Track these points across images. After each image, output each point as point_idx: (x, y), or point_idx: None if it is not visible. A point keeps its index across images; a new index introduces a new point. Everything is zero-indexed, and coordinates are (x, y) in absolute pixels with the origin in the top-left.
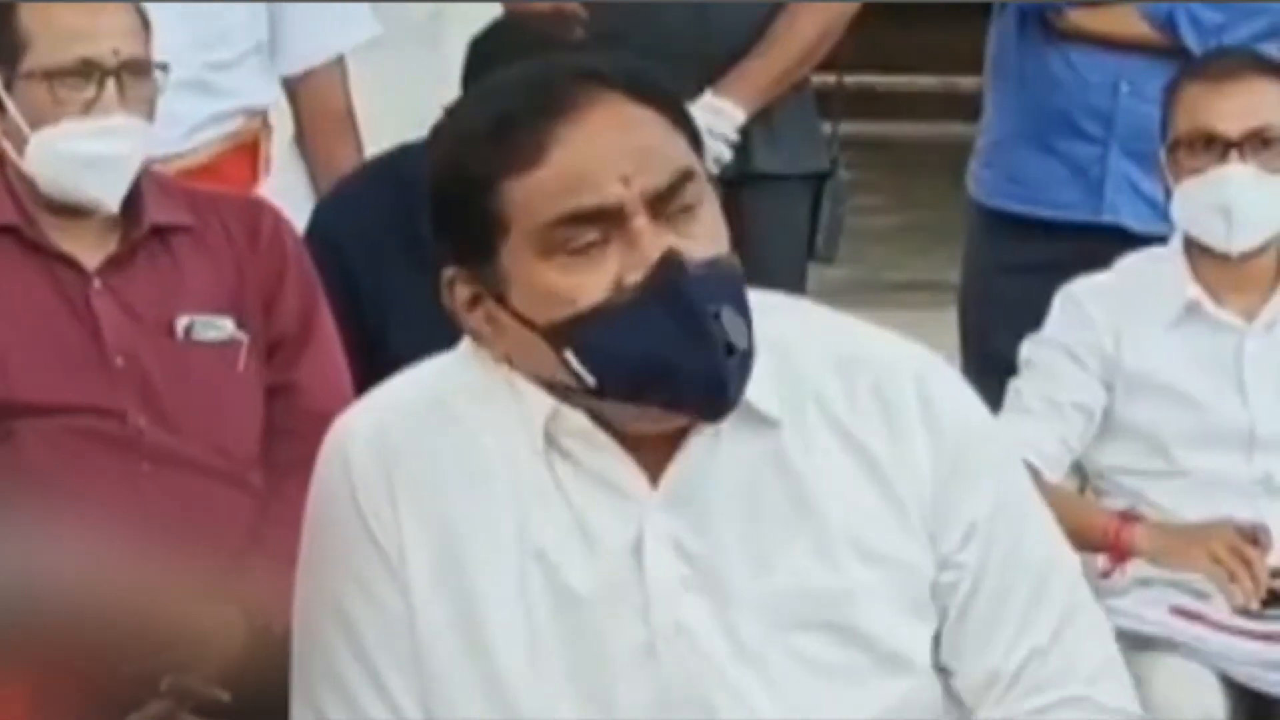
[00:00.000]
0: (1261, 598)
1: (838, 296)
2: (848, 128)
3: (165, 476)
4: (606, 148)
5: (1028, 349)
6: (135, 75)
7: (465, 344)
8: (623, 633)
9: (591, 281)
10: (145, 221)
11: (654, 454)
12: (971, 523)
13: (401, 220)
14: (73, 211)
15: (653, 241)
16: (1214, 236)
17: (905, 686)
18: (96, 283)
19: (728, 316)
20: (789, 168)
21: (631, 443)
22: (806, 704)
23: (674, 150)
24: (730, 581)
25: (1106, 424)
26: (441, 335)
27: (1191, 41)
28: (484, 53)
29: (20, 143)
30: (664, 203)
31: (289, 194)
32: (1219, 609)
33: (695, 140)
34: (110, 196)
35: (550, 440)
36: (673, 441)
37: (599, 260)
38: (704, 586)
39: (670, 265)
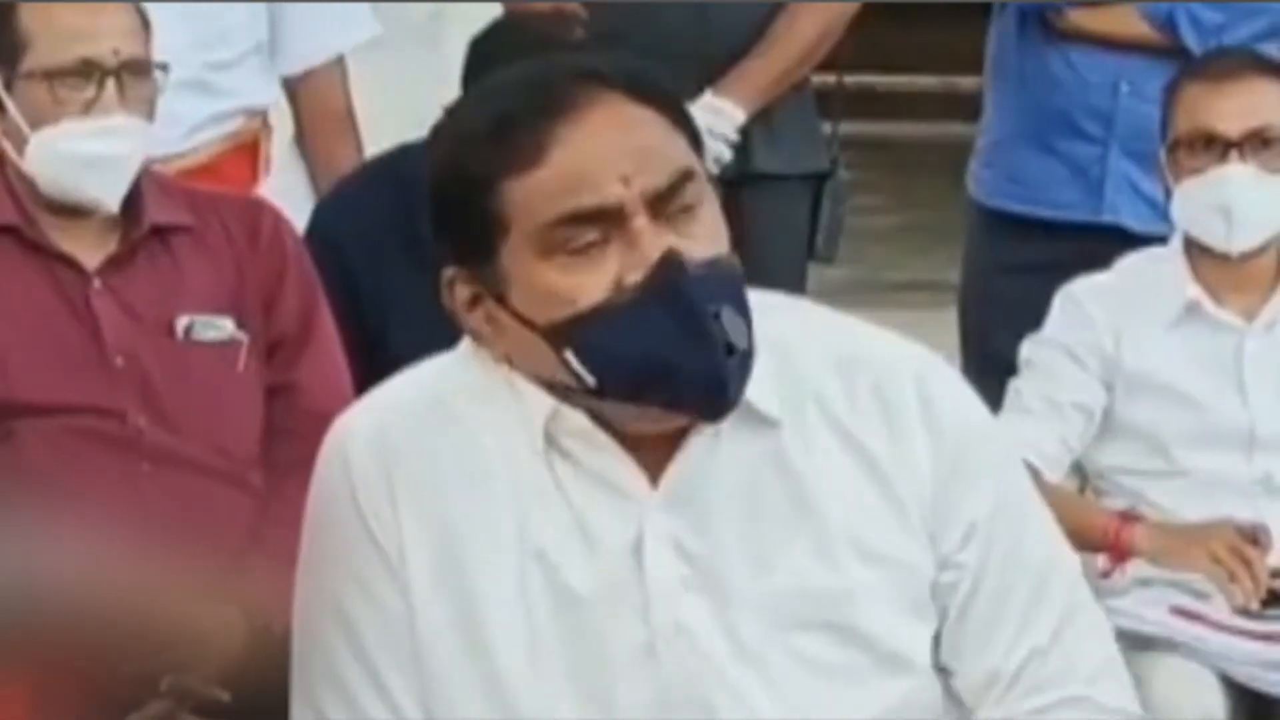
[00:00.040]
0: (1261, 598)
1: (838, 296)
2: (848, 128)
3: (165, 476)
4: (606, 148)
5: (1028, 349)
6: (135, 75)
7: (465, 344)
8: (623, 633)
9: (591, 281)
10: (145, 221)
11: (654, 454)
12: (971, 523)
13: (401, 220)
14: (73, 211)
15: (653, 241)
16: (1214, 236)
17: (905, 686)
18: (96, 283)
19: (728, 316)
20: (789, 168)
21: (631, 443)
22: (806, 704)
23: (674, 150)
24: (730, 581)
25: (1106, 424)
26: (441, 335)
27: (1191, 41)
28: (484, 53)
29: (20, 143)
30: (664, 203)
31: (289, 194)
32: (1219, 609)
33: (695, 140)
34: (110, 196)
35: (550, 440)
36: (673, 441)
37: (599, 260)
38: (704, 586)
39: (670, 265)
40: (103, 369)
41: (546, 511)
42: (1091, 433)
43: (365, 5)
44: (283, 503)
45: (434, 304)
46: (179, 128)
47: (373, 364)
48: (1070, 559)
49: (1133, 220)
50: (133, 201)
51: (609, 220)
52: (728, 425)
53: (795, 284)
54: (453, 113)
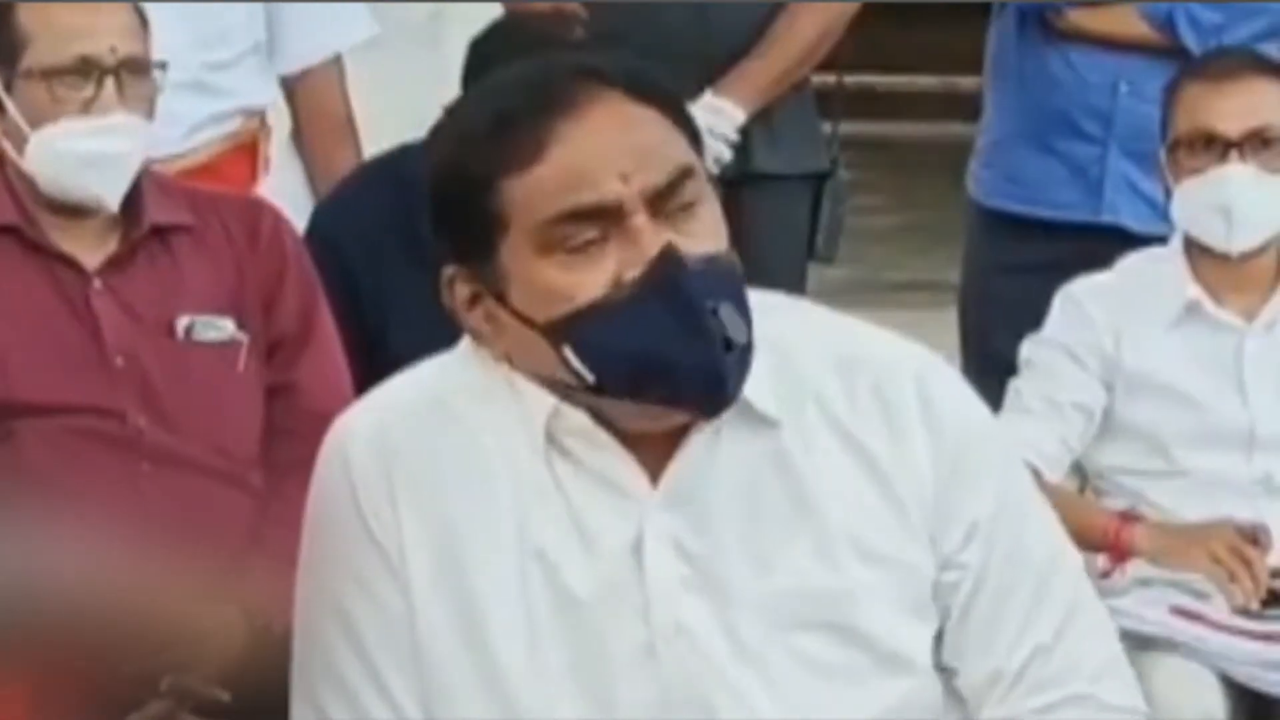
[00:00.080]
0: (1261, 598)
1: (838, 296)
2: (848, 128)
3: (165, 476)
4: (606, 145)
5: (1028, 349)
6: (134, 74)
7: (465, 343)
8: (623, 633)
9: (590, 279)
10: (145, 221)
11: (654, 453)
12: (973, 522)
13: (401, 220)
14: (73, 211)
15: (652, 239)
16: (1214, 236)
17: (905, 686)
18: (96, 283)
19: (726, 312)
20: (789, 168)
21: (632, 441)
22: (806, 704)
23: (673, 148)
24: (730, 581)
25: (1106, 424)
26: (441, 335)
27: (1191, 41)
28: (484, 53)
29: (20, 142)
30: (663, 200)
31: (286, 193)
32: (1219, 609)
33: (695, 139)
34: (110, 195)
35: (550, 439)
36: (673, 440)
37: (598, 258)
38: (704, 586)
39: (669, 261)
40: (103, 369)
41: (546, 511)
42: (1091, 433)
43: (363, 5)
44: (283, 503)
45: (434, 304)
46: (178, 128)
47: (373, 364)
48: (1073, 557)
49: (1132, 220)
50: (133, 201)
51: (608, 217)
52: (728, 425)
53: (795, 284)
54: (452, 112)
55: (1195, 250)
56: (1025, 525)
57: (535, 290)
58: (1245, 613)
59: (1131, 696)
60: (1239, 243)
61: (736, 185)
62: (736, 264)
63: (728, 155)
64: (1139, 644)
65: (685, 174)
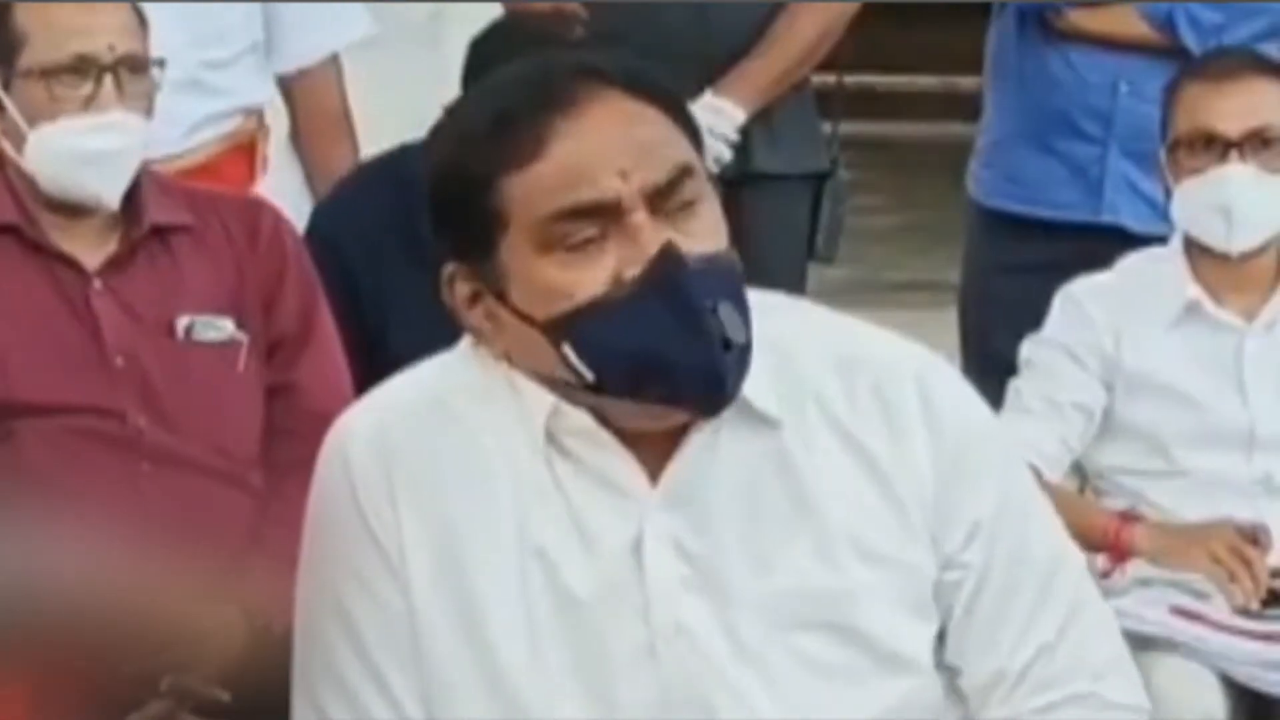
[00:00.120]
0: (1261, 598)
1: (838, 296)
2: (848, 128)
3: (165, 476)
4: (605, 142)
5: (1028, 349)
6: (132, 71)
7: (465, 343)
8: (623, 633)
9: (589, 276)
10: (145, 221)
11: (654, 452)
12: (975, 522)
13: (401, 220)
14: (73, 210)
15: (651, 237)
16: (1214, 236)
17: (905, 686)
18: (97, 283)
19: (725, 311)
20: (789, 167)
21: (632, 441)
22: (806, 704)
23: (673, 147)
24: (730, 581)
25: (1106, 424)
26: (441, 335)
27: (1191, 42)
28: (484, 53)
29: (19, 141)
30: (663, 198)
31: (285, 193)
32: (1219, 609)
33: (695, 138)
34: (110, 192)
35: (550, 438)
36: (673, 440)
37: (597, 256)
38: (704, 586)
39: (669, 259)
40: (103, 369)
41: (546, 510)
42: (1091, 433)
43: (361, 5)
44: (283, 503)
45: (434, 304)
46: (177, 128)
47: (373, 364)
48: (1076, 555)
49: (1132, 220)
50: (133, 201)
51: (607, 215)
52: (727, 424)
53: (795, 284)
54: (452, 111)
55: (1195, 250)
56: (1028, 524)
57: (535, 288)
58: (1245, 613)
59: (1135, 694)
60: (1239, 243)
61: (736, 185)
62: (736, 263)
63: (728, 155)
64: (1139, 644)
65: (685, 172)
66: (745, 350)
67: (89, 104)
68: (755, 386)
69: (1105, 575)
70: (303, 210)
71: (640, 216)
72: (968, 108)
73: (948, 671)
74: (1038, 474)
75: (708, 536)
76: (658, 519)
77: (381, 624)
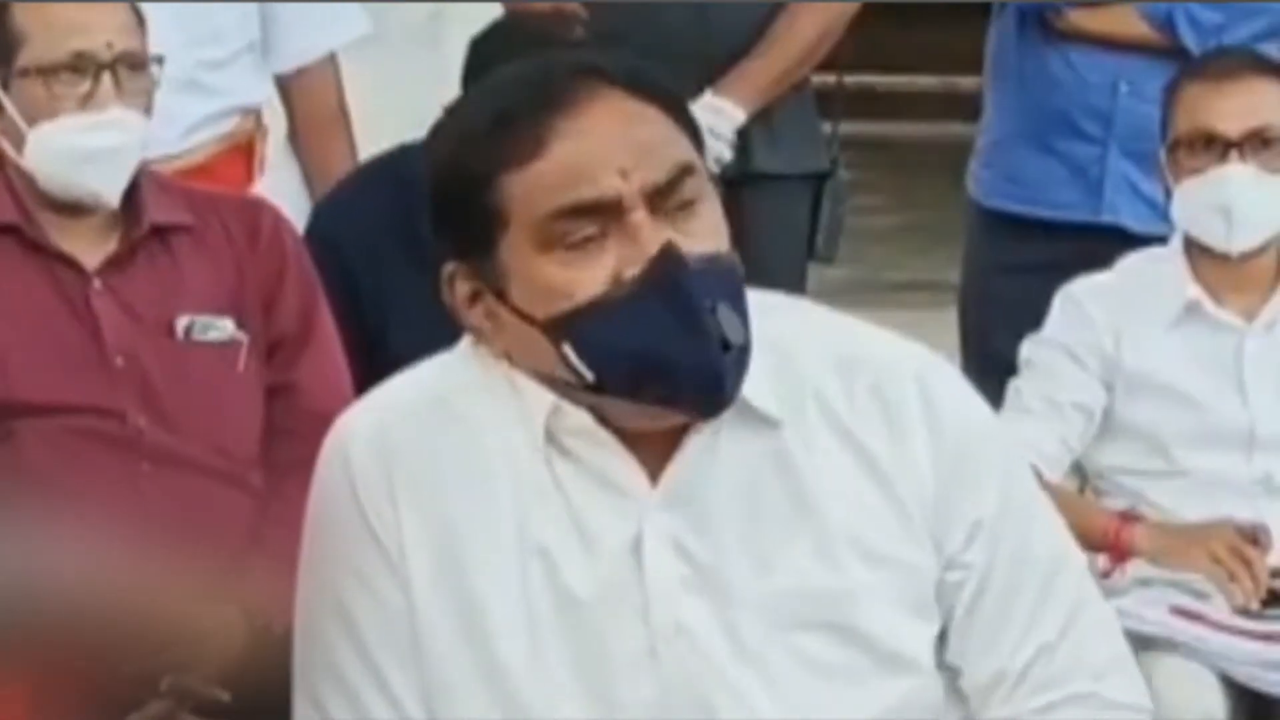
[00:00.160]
0: (1261, 598)
1: (838, 296)
2: (848, 128)
3: (165, 476)
4: (605, 141)
5: (1028, 349)
6: (131, 69)
7: (465, 342)
8: (623, 633)
9: (589, 275)
10: (145, 221)
11: (654, 452)
12: (976, 522)
13: (401, 220)
14: (73, 209)
15: (651, 236)
16: (1214, 236)
17: (906, 687)
18: (96, 283)
19: (723, 312)
20: (789, 167)
21: (632, 440)
22: (806, 704)
23: (674, 146)
24: (730, 581)
25: (1106, 424)
26: (442, 335)
27: (1190, 42)
28: (484, 53)
29: (19, 141)
30: (663, 198)
31: (283, 193)
32: (1219, 609)
33: (696, 138)
34: (110, 190)
35: (551, 437)
36: (673, 440)
37: (597, 255)
38: (704, 586)
39: (669, 259)
40: (103, 369)
41: (546, 510)
42: (1091, 433)
43: (358, 4)
44: (283, 503)
45: (434, 304)
46: (174, 128)
47: (373, 364)
48: (1077, 555)
49: (1132, 220)
50: (132, 201)
51: (607, 214)
52: (727, 424)
53: (795, 284)
54: (452, 110)
55: (1195, 250)
56: (1029, 524)
57: (535, 287)
58: (1245, 613)
59: (1137, 694)
60: (1239, 243)
61: (737, 185)
62: (737, 264)
63: (728, 155)
64: (1139, 644)
65: (685, 172)
66: (744, 352)
67: (87, 101)
68: (755, 386)
69: (1105, 575)
70: (301, 210)
71: (640, 216)
72: (968, 108)
73: (948, 672)
74: (1038, 474)
75: (708, 536)
76: (657, 519)
77: (382, 623)
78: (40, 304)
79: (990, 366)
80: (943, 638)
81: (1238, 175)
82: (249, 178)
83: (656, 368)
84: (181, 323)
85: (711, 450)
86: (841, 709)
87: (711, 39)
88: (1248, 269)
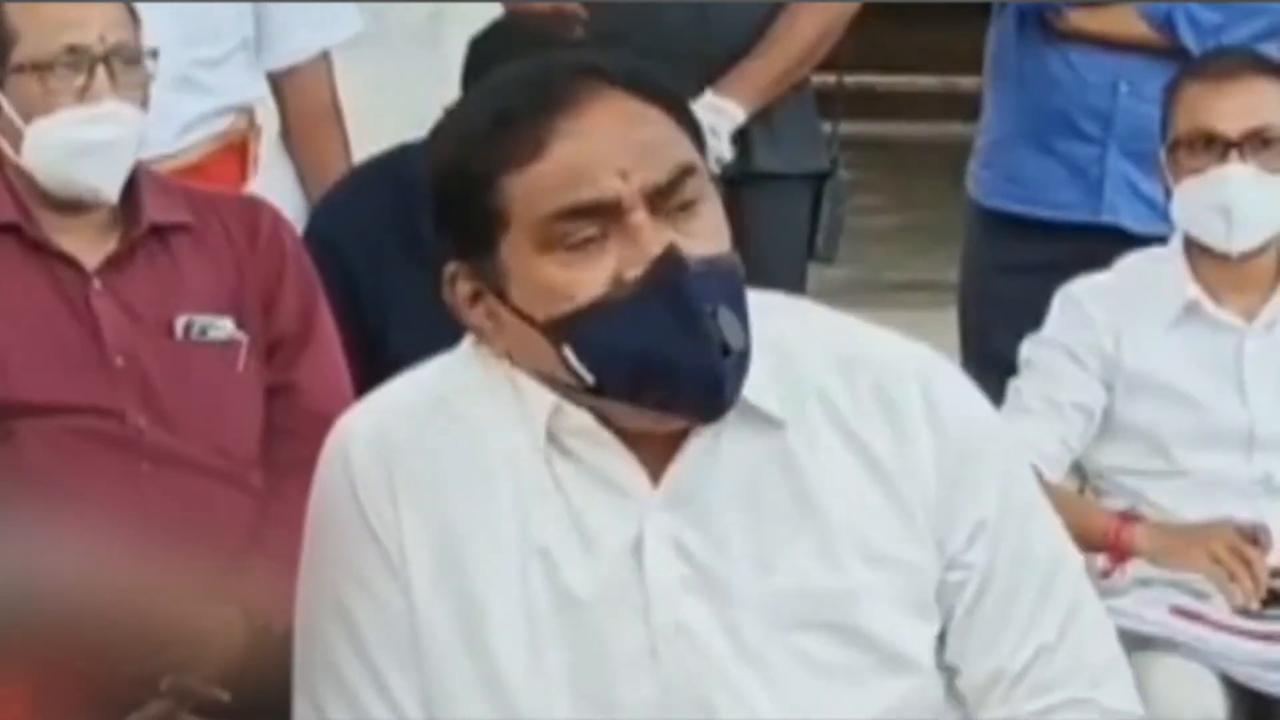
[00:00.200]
0: (1261, 598)
1: (838, 296)
2: (848, 128)
3: (165, 476)
4: (605, 142)
5: (1028, 349)
6: (125, 62)
7: (467, 342)
8: (623, 633)
9: (589, 277)
10: (144, 220)
11: (656, 452)
12: (979, 522)
13: (401, 220)
14: (73, 207)
15: (652, 237)
16: (1214, 236)
17: (907, 687)
18: (96, 283)
19: (724, 316)
20: (789, 167)
21: (633, 440)
22: (807, 704)
23: (675, 147)
24: (731, 581)
25: (1106, 424)
26: (442, 335)
27: (1190, 42)
28: (484, 53)
29: (16, 139)
30: (664, 199)
31: (275, 189)
32: (1219, 609)
33: (697, 138)
34: (109, 184)
35: (552, 438)
36: (674, 440)
37: (597, 256)
38: (705, 586)
39: (670, 261)
40: (102, 369)
41: (547, 510)
42: (1091, 433)
43: (352, 3)
44: (283, 503)
45: (434, 304)
46: (170, 128)
47: (373, 364)
48: (1074, 555)
49: (1131, 220)
50: (132, 200)
51: (607, 215)
52: (729, 425)
53: (795, 284)
54: (452, 111)
55: (1195, 250)
56: (1030, 524)
57: (535, 288)
58: (1245, 613)
59: (1130, 700)
60: (1239, 243)
61: (737, 185)
62: (738, 265)
63: (728, 154)
64: (1139, 644)
65: (686, 172)
66: (744, 356)
67: (83, 95)
68: (756, 387)
69: (1105, 575)
70: (294, 207)
71: (640, 217)
72: (968, 108)
73: (946, 672)
74: (1038, 474)
75: (709, 537)
76: (658, 519)
77: (382, 624)
78: (40, 304)
79: (990, 366)
80: (941, 638)
81: (1238, 175)
82: (243, 177)
83: (656, 371)
84: (181, 322)
85: (713, 451)
86: (842, 709)
87: (711, 39)
88: (1248, 269)
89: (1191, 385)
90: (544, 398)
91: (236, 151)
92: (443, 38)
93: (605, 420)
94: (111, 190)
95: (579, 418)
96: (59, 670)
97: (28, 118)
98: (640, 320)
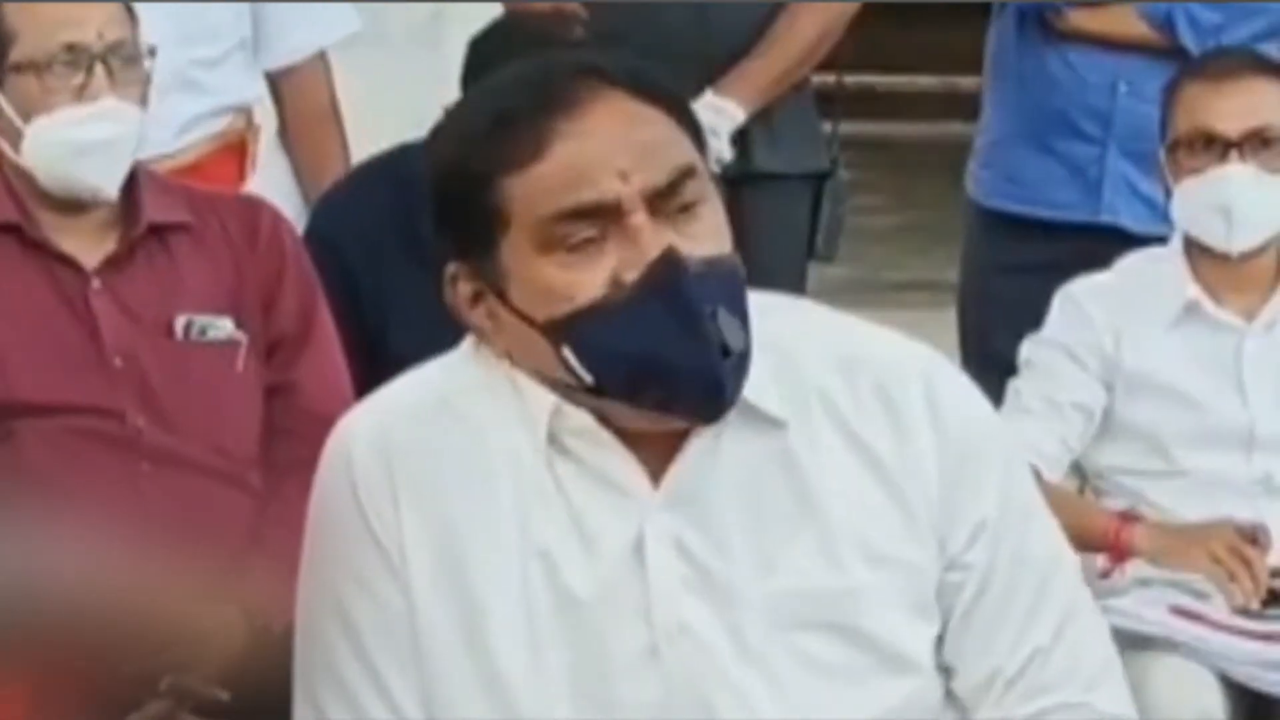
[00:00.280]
0: (1261, 598)
1: (838, 296)
2: (848, 128)
3: (165, 476)
4: (606, 143)
5: (1027, 349)
6: (124, 61)
7: (468, 343)
8: (624, 634)
9: (588, 278)
10: (143, 220)
11: (656, 453)
12: (979, 522)
13: (401, 220)
14: (73, 207)
15: (651, 239)
16: (1214, 236)
17: (907, 687)
18: (95, 282)
19: (724, 317)
20: (789, 167)
21: (634, 441)
22: (808, 704)
23: (675, 148)
24: (732, 581)
25: (1106, 424)
26: (442, 335)
27: (1190, 42)
28: (484, 53)
29: (16, 139)
30: (664, 200)
31: (272, 188)
32: (1219, 609)
33: (698, 138)
34: (108, 183)
35: (553, 438)
36: (675, 440)
37: (596, 257)
38: (706, 587)
39: (669, 263)
40: (102, 369)
41: (547, 511)
42: (1091, 433)
43: (348, 2)
44: (282, 503)
45: (434, 304)
46: (168, 128)
47: (373, 364)
48: (1070, 557)
49: (1130, 221)
50: (131, 200)
51: (607, 216)
52: (730, 425)
53: (795, 284)
54: (452, 111)
55: (1195, 250)
56: (1028, 524)
57: (535, 289)
58: (1245, 613)
59: (1124, 704)
60: (1239, 243)
61: (737, 185)
62: (738, 266)
63: (728, 154)
64: (1139, 644)
65: (686, 174)
66: (744, 357)
67: (81, 93)
68: (757, 387)
69: (1105, 575)
70: (290, 206)
71: (640, 218)
72: (968, 108)
73: (943, 673)
74: (1037, 474)
75: (710, 537)
76: (659, 519)
77: (382, 625)
78: (39, 304)
79: (990, 366)
80: (939, 638)
81: (1238, 175)
82: (241, 177)
83: (655, 372)
84: (180, 322)
85: (714, 451)
86: (843, 709)
87: (711, 39)
88: (1247, 269)
89: (1191, 385)
90: (544, 398)
91: (235, 152)
92: (443, 38)
93: (606, 421)
94: (111, 189)
95: (579, 418)
96: (59, 670)
97: (27, 117)
98: (638, 322)
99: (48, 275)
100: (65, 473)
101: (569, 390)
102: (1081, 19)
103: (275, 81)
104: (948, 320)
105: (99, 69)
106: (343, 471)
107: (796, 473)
